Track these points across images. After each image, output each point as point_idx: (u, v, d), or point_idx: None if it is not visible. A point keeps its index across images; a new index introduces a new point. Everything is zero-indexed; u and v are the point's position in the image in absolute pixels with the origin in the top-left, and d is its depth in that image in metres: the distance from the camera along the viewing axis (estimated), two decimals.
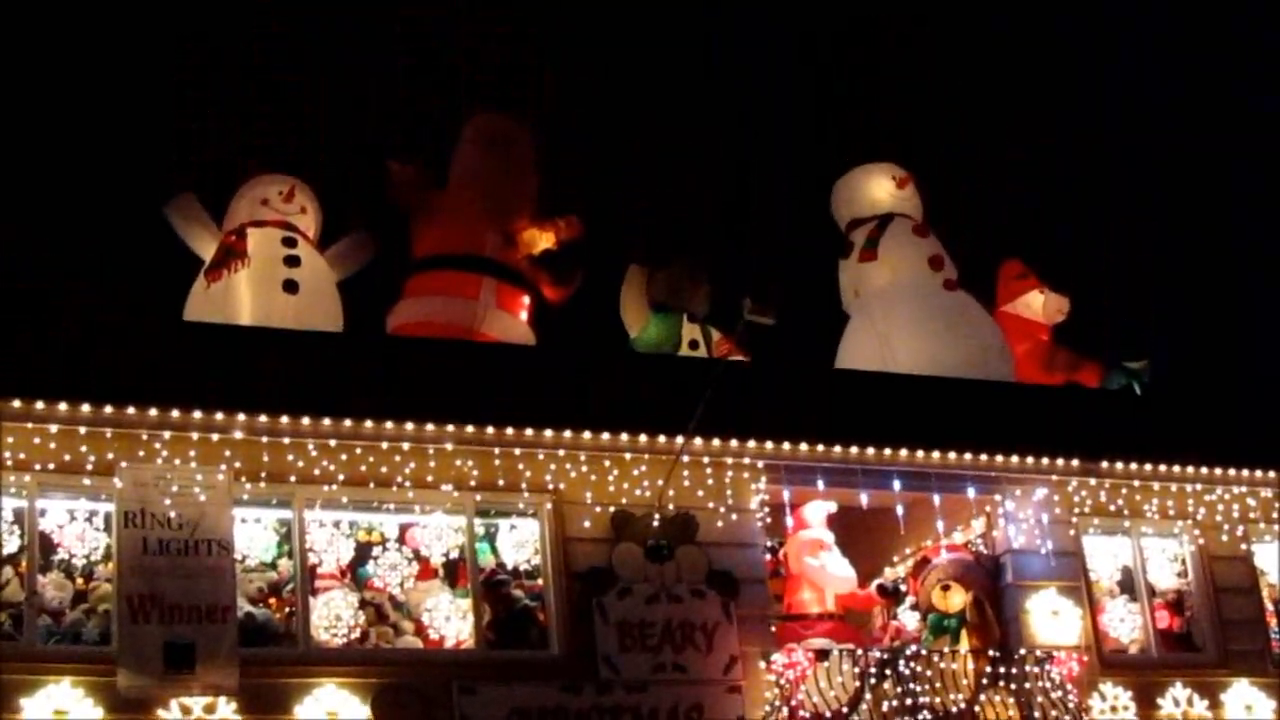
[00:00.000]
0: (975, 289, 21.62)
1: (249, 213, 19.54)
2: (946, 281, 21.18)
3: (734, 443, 17.52)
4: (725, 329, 20.52)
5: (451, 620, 16.94)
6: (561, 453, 17.17)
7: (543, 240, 20.05)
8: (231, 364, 16.18)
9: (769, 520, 18.03)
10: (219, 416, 15.88)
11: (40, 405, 15.34)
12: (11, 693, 14.78)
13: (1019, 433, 18.87)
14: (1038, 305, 22.56)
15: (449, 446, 16.70)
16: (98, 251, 22.14)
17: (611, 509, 17.31)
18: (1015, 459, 18.76)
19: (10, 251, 20.28)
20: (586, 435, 17.14)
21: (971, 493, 18.72)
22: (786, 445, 17.78)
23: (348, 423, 16.26)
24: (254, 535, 16.69)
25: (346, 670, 16.02)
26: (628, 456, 17.38)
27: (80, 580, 15.99)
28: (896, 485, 18.31)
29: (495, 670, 16.48)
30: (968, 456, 18.55)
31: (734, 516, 17.66)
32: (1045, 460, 18.90)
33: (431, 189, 20.38)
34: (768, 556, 18.41)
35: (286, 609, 16.44)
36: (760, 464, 17.85)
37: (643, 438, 17.29)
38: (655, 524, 17.27)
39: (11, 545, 15.66)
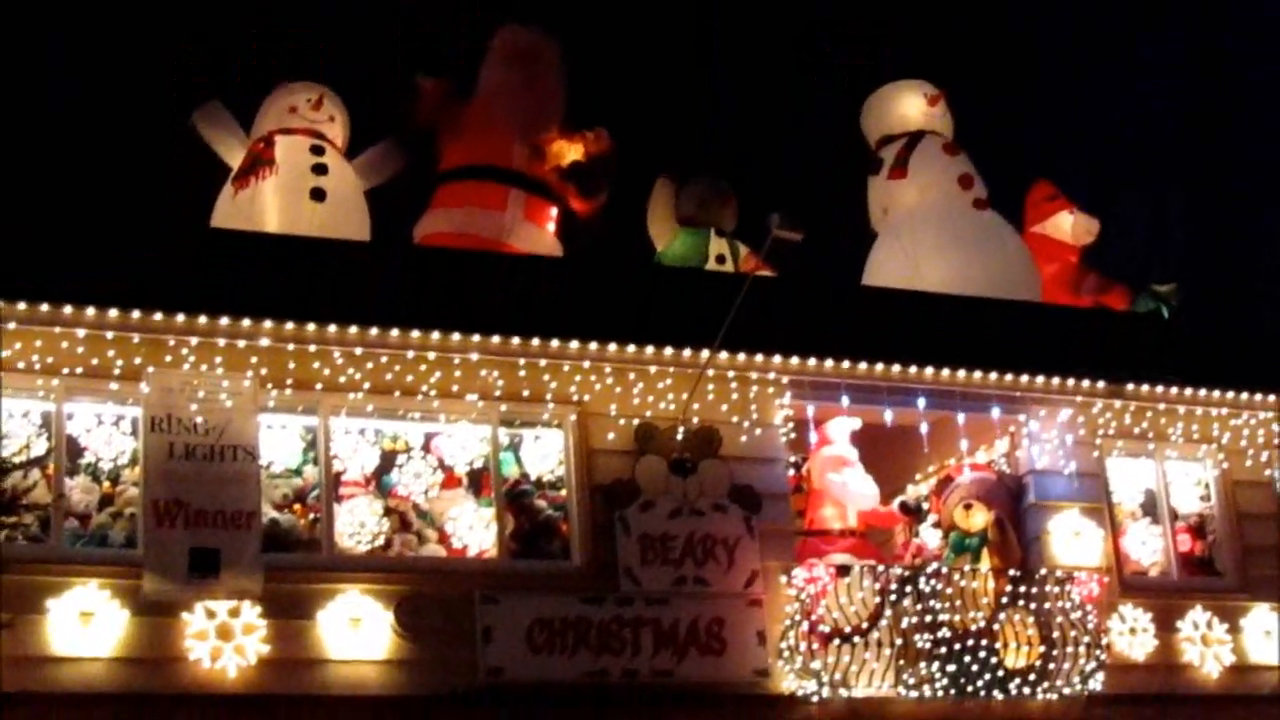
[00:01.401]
0: (1004, 209, 21.53)
1: (277, 121, 19.57)
2: (976, 201, 21.11)
3: (759, 358, 17.50)
4: (752, 244, 20.50)
5: (475, 530, 16.98)
6: (586, 365, 17.15)
7: (570, 153, 19.98)
8: (258, 271, 16.16)
9: (792, 436, 18.00)
10: (245, 323, 15.88)
11: (67, 310, 15.35)
12: (39, 594, 14.89)
13: (1045, 354, 18.85)
14: (1067, 226, 22.51)
15: (474, 357, 16.69)
16: (126, 158, 22.26)
17: (635, 422, 17.27)
18: (1040, 380, 18.74)
19: (39, 156, 20.43)
20: (612, 348, 17.10)
21: (996, 413, 18.67)
22: (812, 361, 17.77)
23: (374, 331, 16.26)
24: (279, 442, 16.69)
25: (370, 577, 16.06)
26: (653, 370, 17.33)
27: (107, 484, 16.03)
28: (921, 404, 18.28)
29: (518, 580, 16.55)
30: (993, 376, 18.51)
31: (757, 432, 17.64)
32: (1071, 382, 18.88)
33: (458, 103, 20.28)
34: (790, 472, 18.43)
35: (311, 516, 16.48)
36: (785, 380, 17.83)
37: (668, 351, 17.23)
38: (679, 438, 17.32)
39: (39, 448, 15.71)
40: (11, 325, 15.28)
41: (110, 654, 15.04)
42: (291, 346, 16.13)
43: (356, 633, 15.80)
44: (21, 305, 15.25)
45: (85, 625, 15.01)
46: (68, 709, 14.63)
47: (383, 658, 15.82)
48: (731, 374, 17.60)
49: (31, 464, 15.43)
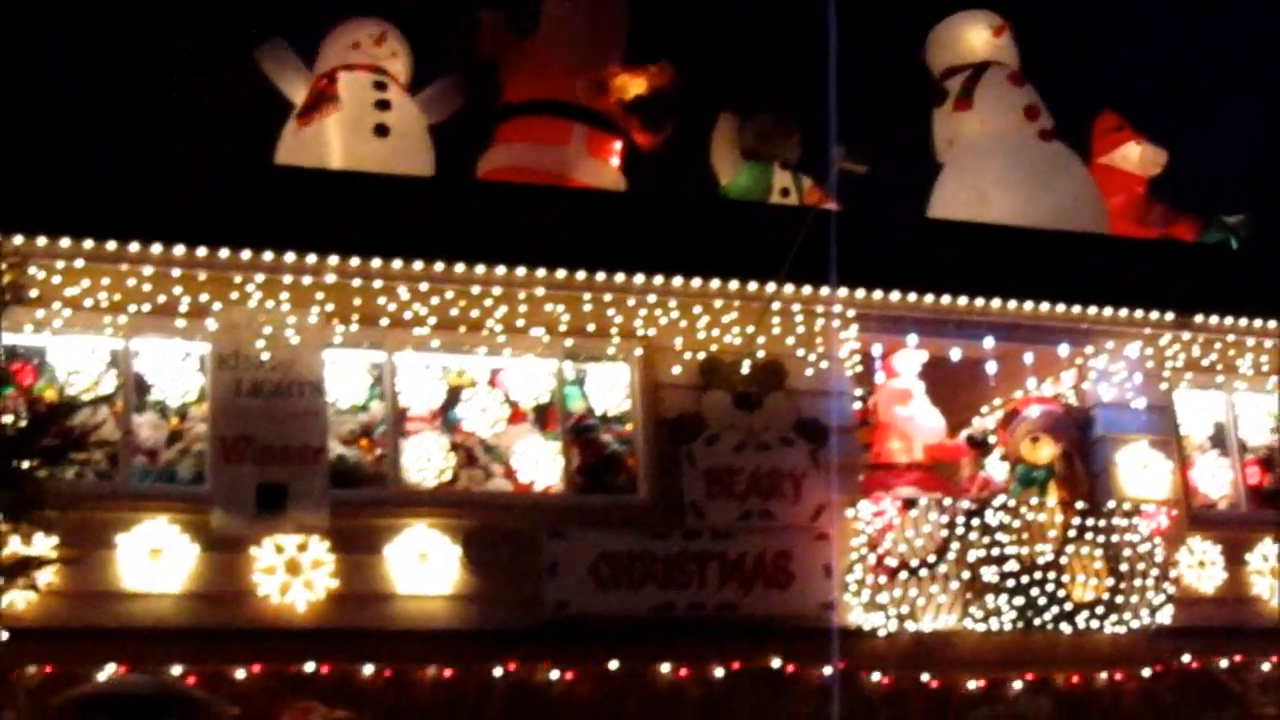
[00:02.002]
0: (1070, 141, 21.30)
1: (340, 57, 19.54)
2: (1041, 132, 20.89)
3: (825, 291, 17.32)
4: (816, 177, 20.42)
5: (540, 465, 16.97)
6: (652, 299, 17.08)
7: (634, 87, 19.88)
8: (323, 207, 16.18)
9: (858, 369, 17.93)
10: (311, 260, 15.84)
11: (134, 247, 15.36)
12: (109, 529, 15.03)
13: (1112, 286, 18.65)
14: (1134, 157, 22.34)
15: (539, 291, 16.64)
16: (191, 96, 22.23)
17: (701, 356, 17.24)
18: (1108, 312, 18.54)
19: (104, 96, 20.40)
20: (677, 281, 17.00)
21: (1063, 346, 18.54)
22: (878, 294, 17.61)
23: (439, 267, 16.20)
24: (346, 378, 16.70)
25: (436, 512, 16.12)
26: (718, 304, 17.24)
27: (174, 420, 16.11)
28: (987, 337, 18.15)
29: (583, 515, 16.57)
30: (1060, 309, 18.32)
31: (823, 365, 17.55)
32: (1138, 314, 18.67)
33: (520, 37, 20.21)
34: (857, 405, 18.35)
35: (377, 451, 16.53)
36: (851, 313, 17.71)
37: (733, 284, 17.12)
38: (744, 371, 17.24)
39: (107, 386, 15.75)
40: (79, 263, 15.30)
41: (179, 589, 15.16)
42: (357, 282, 16.10)
43: (423, 567, 15.88)
44: (88, 243, 15.24)
45: (154, 561, 15.13)
46: (140, 643, 14.70)
47: (449, 592, 15.93)
48: (797, 307, 17.51)
49: (100, 401, 15.42)
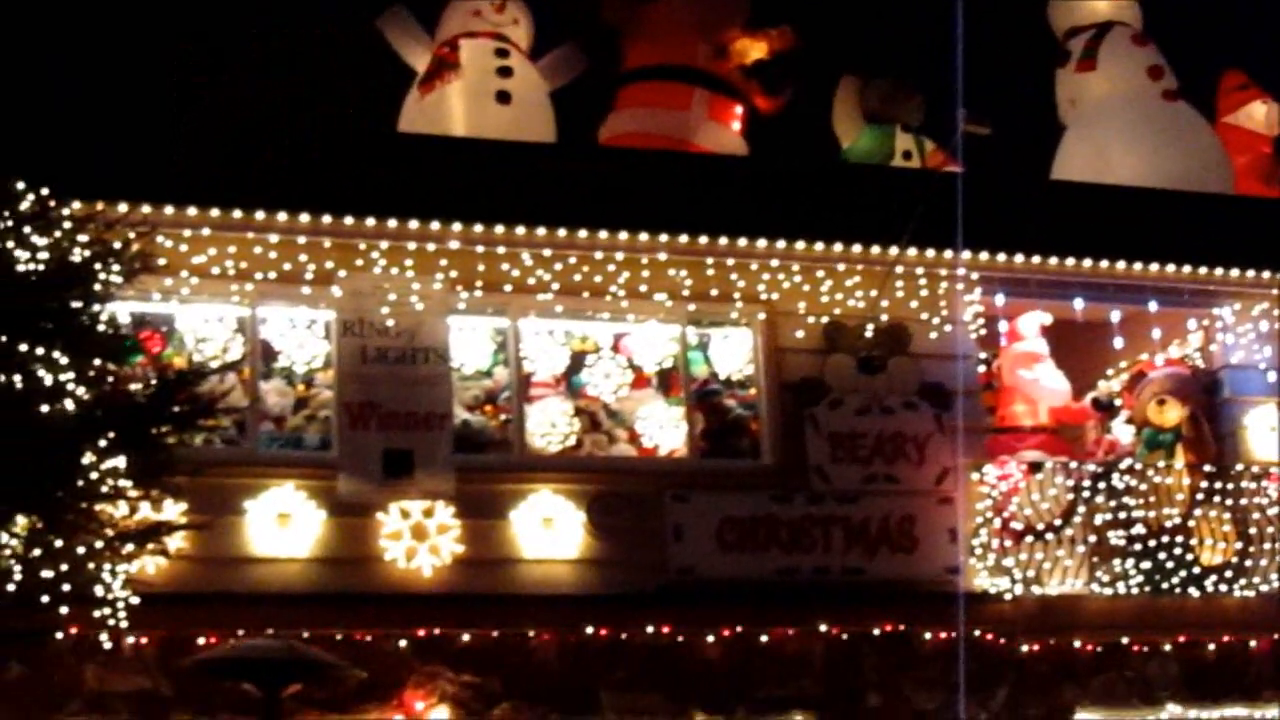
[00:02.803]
0: (1195, 101, 20.91)
1: (461, 24, 19.32)
2: (1166, 92, 20.45)
3: (948, 254, 17.04)
4: (939, 140, 20.18)
5: (664, 429, 16.89)
6: (775, 263, 16.90)
7: (755, 51, 19.69)
8: (447, 174, 16.08)
9: (982, 332, 17.70)
10: (435, 226, 15.75)
11: (260, 215, 15.35)
12: (237, 495, 15.06)
13: (1238, 246, 18.20)
14: (1260, 116, 21.84)
15: (662, 256, 16.50)
16: (314, 64, 22.15)
17: (824, 320, 17.08)
18: (1234, 273, 18.10)
19: (229, 64, 20.35)
20: (800, 245, 16.75)
21: (1189, 308, 18.27)
22: (1001, 257, 17.31)
23: (562, 232, 16.11)
24: (470, 344, 16.71)
25: (561, 477, 16.07)
26: (841, 267, 17.06)
27: (301, 387, 16.17)
28: (1113, 299, 17.90)
29: (707, 479, 16.47)
30: (1185, 270, 17.93)
31: (947, 328, 17.34)
32: (1265, 275, 18.22)
33: (642, 2, 20.00)
34: (981, 369, 18.13)
35: (502, 417, 16.51)
36: (974, 275, 17.43)
37: (856, 248, 16.89)
38: (868, 335, 17.07)
39: (234, 353, 15.81)
40: (205, 231, 15.36)
41: (307, 554, 15.22)
42: (480, 249, 16.04)
43: (548, 532, 15.81)
44: (215, 212, 15.24)
45: (282, 526, 15.17)
46: (267, 608, 14.73)
47: (574, 557, 15.86)
48: (920, 270, 17.26)
49: (227, 368, 15.45)
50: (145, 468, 12.06)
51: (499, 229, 15.95)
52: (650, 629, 15.68)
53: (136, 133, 15.17)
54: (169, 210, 15.00)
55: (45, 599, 11.43)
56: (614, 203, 16.46)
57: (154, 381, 12.74)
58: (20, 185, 11.87)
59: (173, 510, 13.67)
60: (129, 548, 12.06)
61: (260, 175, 15.34)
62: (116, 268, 12.12)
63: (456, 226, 15.86)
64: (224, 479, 14.89)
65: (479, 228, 15.90)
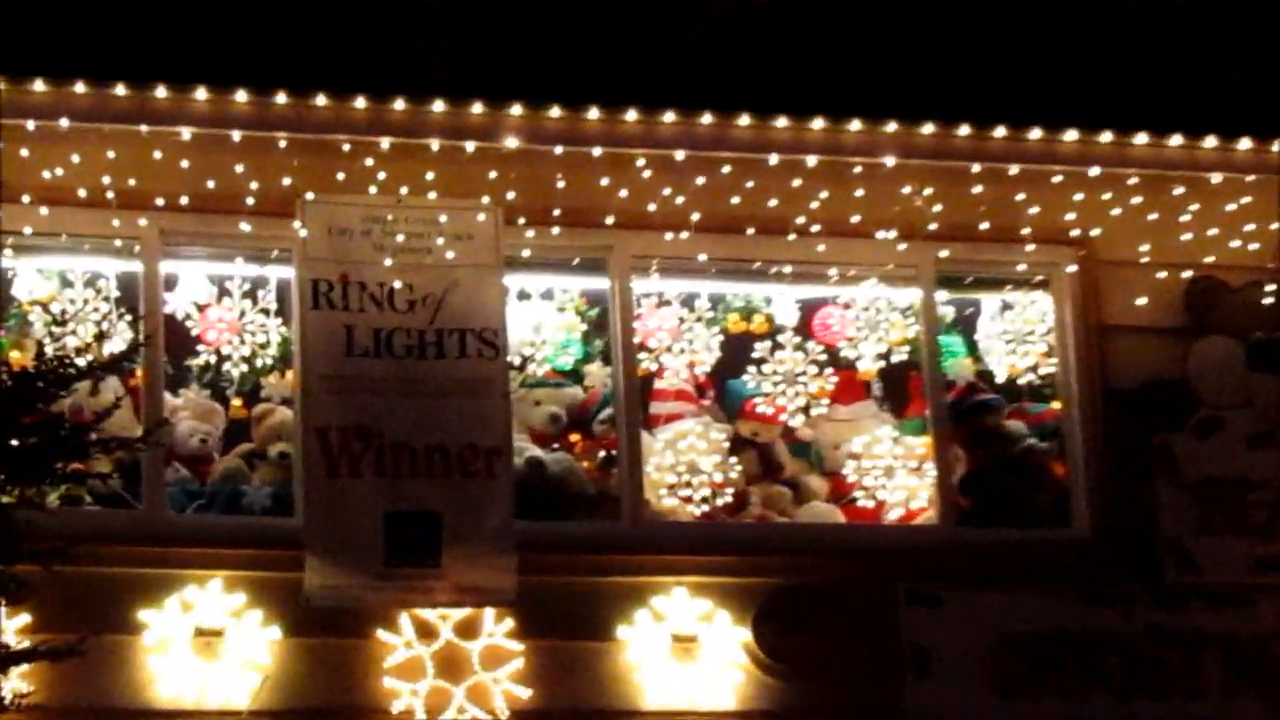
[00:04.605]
0: None
1: None
2: None
3: None
4: None
5: (896, 475, 16.21)
6: (1094, 171, 16.20)
7: None
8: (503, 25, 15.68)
9: None
10: (478, 109, 15.30)
11: (162, 94, 14.92)
12: (126, 599, 14.47)
13: None
14: None
15: (889, 161, 15.99)
16: None
17: (1184, 275, 16.40)
18: None
19: None
20: (1141, 140, 16.20)
21: None
22: None
23: (707, 118, 15.65)
24: (539, 320, 16.16)
25: (708, 564, 15.41)
26: (1216, 179, 16.35)
27: (237, 402, 15.84)
28: None
29: (972, 565, 15.70)
30: None
31: None
32: None
33: None
34: None
35: (599, 453, 15.92)
36: None
37: (1244, 144, 16.28)
38: (1265, 301, 16.32)
39: (118, 340, 15.15)
40: (65, 124, 14.90)
41: (250, 706, 14.60)
42: (560, 149, 15.56)
43: (684, 665, 15.20)
44: (81, 89, 14.87)
45: (206, 655, 14.51)
46: None
47: (732, 708, 15.30)
48: None
49: (107, 367, 14.11)
50: None
51: (592, 111, 15.42)
52: None
53: None
54: None
55: None
56: (798, 66, 16.09)
57: None
58: None
59: (9, 626, 12.99)
60: None
61: (168, 27, 15.03)
62: None
63: (516, 109, 15.29)
64: (103, 570, 14.20)
65: (556, 110, 15.39)
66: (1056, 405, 16.51)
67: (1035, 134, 16.15)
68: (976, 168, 16.10)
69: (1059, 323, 16.52)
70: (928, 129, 15.94)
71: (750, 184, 15.80)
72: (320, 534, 14.70)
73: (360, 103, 15.14)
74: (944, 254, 16.21)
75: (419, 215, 15.34)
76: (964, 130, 16.05)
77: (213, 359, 15.68)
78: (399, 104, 15.28)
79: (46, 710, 13.38)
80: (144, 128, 14.86)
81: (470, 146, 15.33)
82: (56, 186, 14.84)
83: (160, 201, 14.96)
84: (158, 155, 14.89)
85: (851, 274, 16.36)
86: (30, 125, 14.75)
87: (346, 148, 15.20)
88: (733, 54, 16.40)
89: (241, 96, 14.94)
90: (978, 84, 16.61)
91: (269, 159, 15.14)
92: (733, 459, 16.02)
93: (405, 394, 15.08)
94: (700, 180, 15.69)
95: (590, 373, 16.30)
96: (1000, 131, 16.07)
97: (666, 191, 15.71)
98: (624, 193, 15.63)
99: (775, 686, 15.14)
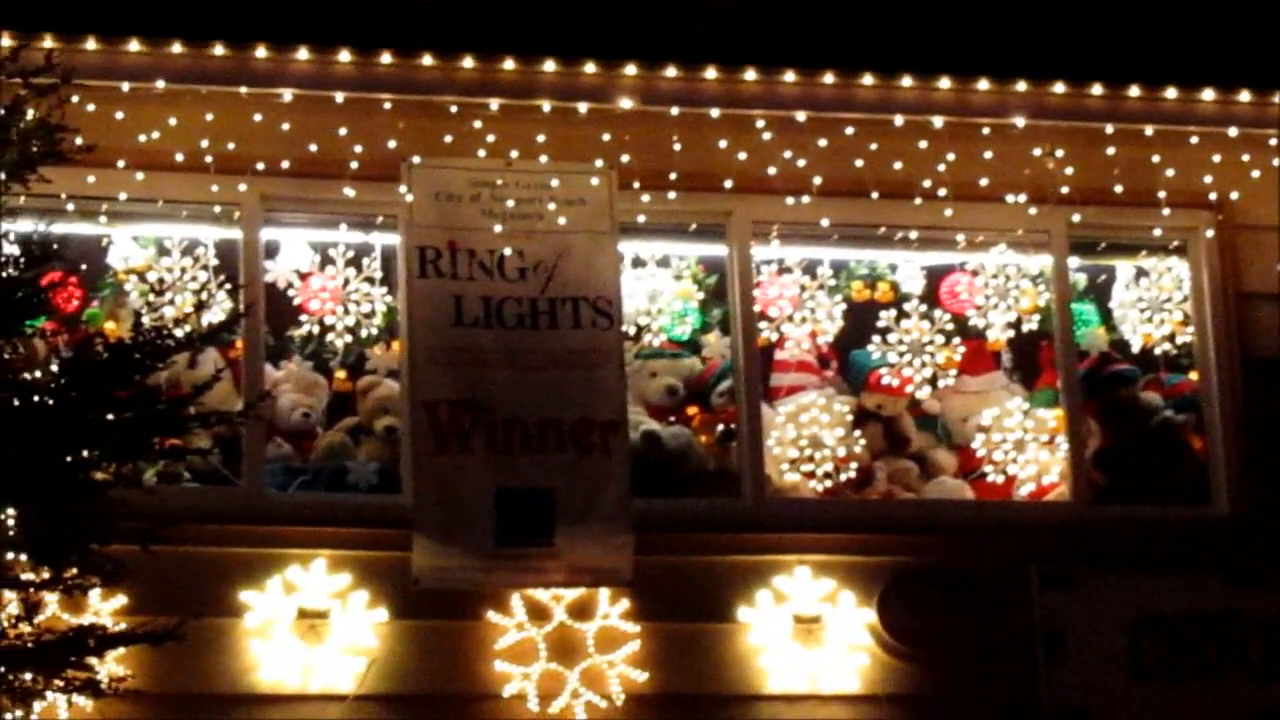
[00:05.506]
0: None
1: None
2: None
3: None
4: None
5: (1025, 447, 15.96)
6: (1233, 132, 15.92)
7: None
8: None
9: None
10: (590, 69, 15.14)
11: (262, 55, 14.73)
12: (225, 581, 14.34)
13: None
14: None
15: (1019, 122, 15.83)
16: None
17: None
18: None
19: None
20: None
21: None
22: None
23: (829, 78, 15.41)
24: (655, 289, 15.97)
25: (831, 541, 15.20)
26: None
27: (341, 375, 15.69)
28: None
29: (1109, 545, 15.38)
30: None
31: None
32: None
33: None
34: None
35: (718, 427, 15.72)
36: None
37: None
38: None
39: (217, 310, 15.08)
40: (161, 85, 14.65)
41: (355, 690, 14.45)
42: (676, 110, 15.37)
43: (807, 648, 14.93)
44: (178, 49, 14.63)
45: (309, 638, 14.30)
46: None
47: (856, 691, 15.09)
48: None
49: (205, 339, 13.69)
50: (52, 531, 11.66)
51: (710, 70, 15.24)
52: None
53: None
54: (91, 46, 14.41)
55: None
56: (925, 23, 15.86)
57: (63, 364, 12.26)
58: None
59: (105, 608, 13.39)
60: (27, 676, 11.80)
61: None
62: None
63: (630, 69, 15.15)
64: (203, 550, 14.11)
65: (672, 70, 15.23)
66: (1194, 376, 16.26)
67: (1171, 93, 15.86)
68: (1110, 128, 15.84)
69: (1196, 290, 16.28)
70: (1059, 88, 15.74)
71: (874, 146, 15.59)
72: (429, 512, 14.58)
73: (468, 62, 14.90)
74: (1076, 218, 15.96)
75: (529, 179, 15.17)
76: (1097, 90, 15.82)
77: (315, 329, 15.49)
78: (508, 64, 15.03)
79: (144, 695, 13.17)
80: (243, 89, 14.74)
81: (583, 108, 15.16)
82: (153, 151, 14.65)
83: (260, 166, 14.86)
84: (258, 118, 14.77)
85: (980, 240, 16.12)
86: (125, 87, 14.49)
87: (454, 109, 15.05)
88: (854, 10, 16.03)
89: (344, 56, 14.80)
90: (1111, 41, 16.24)
91: (373, 121, 14.99)
92: (857, 433, 15.84)
93: (516, 366, 14.98)
94: (822, 142, 15.47)
95: (708, 343, 16.08)
96: (1135, 91, 15.80)
97: (787, 154, 15.50)
98: (743, 155, 15.45)
99: (902, 670, 14.96)
